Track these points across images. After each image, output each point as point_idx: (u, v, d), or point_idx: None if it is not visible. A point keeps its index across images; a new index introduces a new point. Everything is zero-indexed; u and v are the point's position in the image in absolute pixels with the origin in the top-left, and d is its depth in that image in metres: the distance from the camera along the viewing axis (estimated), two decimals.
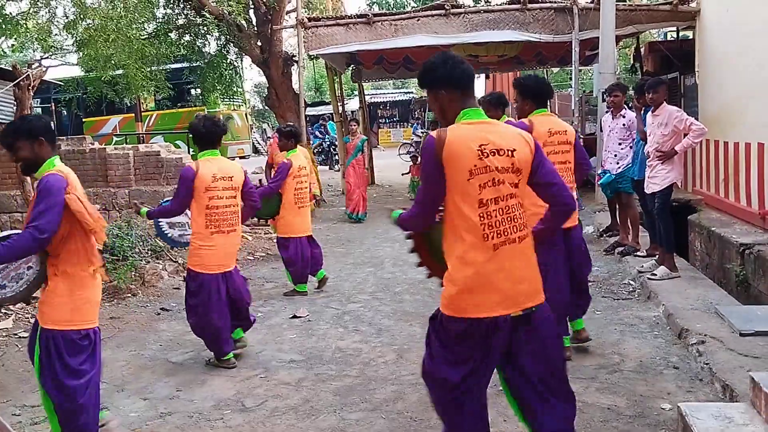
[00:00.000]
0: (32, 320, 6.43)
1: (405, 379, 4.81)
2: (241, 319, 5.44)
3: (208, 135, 5.20)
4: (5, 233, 3.56)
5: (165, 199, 5.16)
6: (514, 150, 2.83)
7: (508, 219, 2.82)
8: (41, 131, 3.61)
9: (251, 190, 5.49)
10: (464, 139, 2.80)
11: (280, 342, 5.78)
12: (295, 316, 6.53)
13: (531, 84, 4.97)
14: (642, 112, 7.45)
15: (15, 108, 10.71)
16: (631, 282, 7.06)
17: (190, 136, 5.79)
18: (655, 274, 6.72)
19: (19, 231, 3.49)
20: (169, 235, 6.19)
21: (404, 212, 3.15)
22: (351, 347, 5.59)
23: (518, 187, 2.86)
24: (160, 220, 5.92)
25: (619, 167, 8.03)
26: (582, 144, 5.17)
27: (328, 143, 24.90)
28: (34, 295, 3.85)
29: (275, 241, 7.49)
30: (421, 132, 31.81)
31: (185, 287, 5.36)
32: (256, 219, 7.11)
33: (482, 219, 2.78)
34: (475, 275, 2.80)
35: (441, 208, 2.93)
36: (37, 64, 14.88)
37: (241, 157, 21.46)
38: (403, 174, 17.15)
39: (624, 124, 7.99)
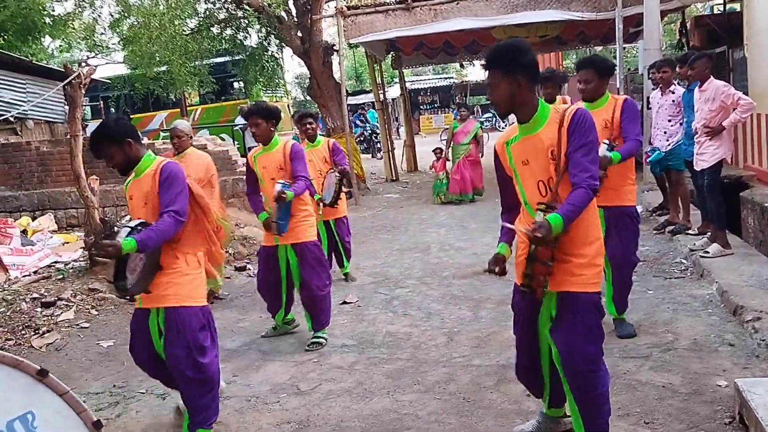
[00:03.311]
0: (92, 311, 6.67)
1: (456, 362, 4.85)
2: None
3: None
4: (135, 222, 3.60)
5: (283, 182, 5.26)
6: None
7: None
8: (126, 133, 3.71)
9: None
10: None
11: (331, 327, 5.85)
12: (345, 302, 6.61)
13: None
14: (688, 88, 7.32)
15: (67, 107, 11.01)
16: (683, 260, 6.95)
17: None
18: (708, 252, 6.61)
19: (141, 220, 3.61)
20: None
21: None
22: (401, 331, 5.65)
23: None
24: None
25: (669, 144, 7.89)
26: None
27: (370, 131, 24.98)
28: None
29: (336, 223, 7.42)
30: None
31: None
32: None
33: None
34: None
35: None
36: (85, 63, 15.25)
37: None
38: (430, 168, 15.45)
39: (673, 101, 7.84)
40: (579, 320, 3.08)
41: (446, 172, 12.78)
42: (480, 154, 12.88)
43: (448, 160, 12.75)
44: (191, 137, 6.45)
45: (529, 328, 3.31)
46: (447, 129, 26.26)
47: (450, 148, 12.72)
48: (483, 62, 3.14)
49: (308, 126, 7.15)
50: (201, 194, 3.76)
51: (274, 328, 5.83)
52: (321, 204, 6.79)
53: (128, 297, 3.69)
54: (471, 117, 13.75)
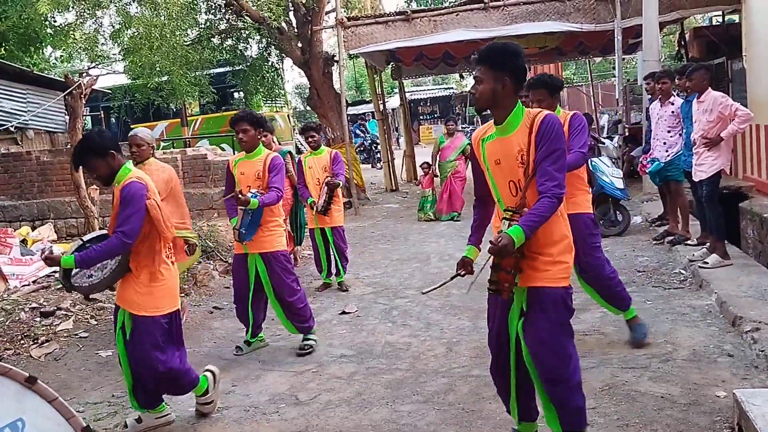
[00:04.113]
0: (91, 321, 6.67)
1: (455, 372, 4.84)
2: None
3: None
4: (94, 234, 4.00)
5: (255, 191, 5.37)
6: None
7: None
8: (109, 145, 3.89)
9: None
10: None
11: (330, 337, 5.87)
12: (344, 312, 6.62)
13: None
14: (686, 99, 7.36)
15: (67, 117, 11.04)
16: (682, 271, 6.96)
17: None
18: (707, 263, 6.62)
19: (105, 231, 3.95)
20: None
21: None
22: (400, 341, 5.65)
23: None
24: None
25: (668, 155, 7.91)
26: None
27: (370, 141, 25.04)
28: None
29: (333, 232, 7.53)
30: (462, 126, 31.74)
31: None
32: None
33: None
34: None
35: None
36: (85, 74, 15.29)
37: None
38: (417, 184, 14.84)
39: (672, 112, 7.86)
40: (544, 314, 3.15)
41: (433, 189, 12.13)
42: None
43: (436, 176, 12.08)
44: (153, 147, 6.02)
45: (501, 322, 3.34)
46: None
47: (437, 164, 12.04)
48: (474, 56, 3.21)
49: (311, 138, 7.55)
50: (158, 218, 3.91)
51: (245, 344, 5.72)
52: (314, 209, 7.29)
53: (87, 296, 4.05)
54: (459, 131, 12.98)
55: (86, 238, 4.03)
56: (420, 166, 13.12)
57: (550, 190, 3.04)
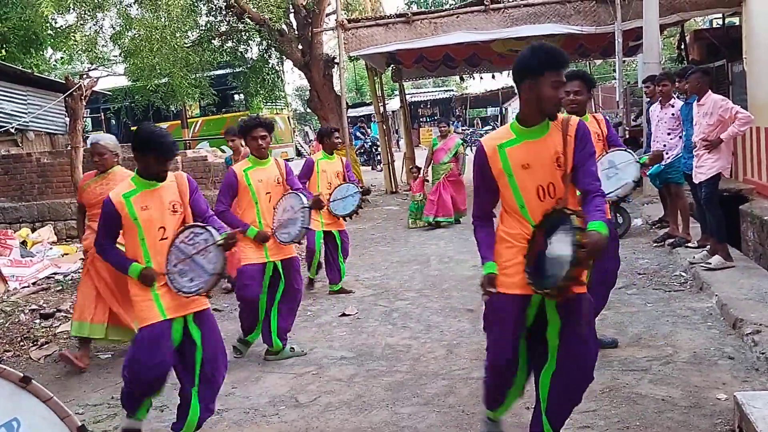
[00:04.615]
0: None
1: (456, 374, 4.84)
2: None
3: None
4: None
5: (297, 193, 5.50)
6: None
7: None
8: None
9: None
10: None
11: (330, 339, 5.86)
12: (344, 314, 6.61)
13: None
14: (686, 102, 7.38)
15: (68, 119, 11.05)
16: (683, 273, 6.96)
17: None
18: (710, 264, 6.62)
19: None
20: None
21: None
22: (400, 344, 5.64)
23: None
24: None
25: (668, 157, 7.91)
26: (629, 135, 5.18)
27: (370, 143, 25.06)
28: None
29: (342, 234, 7.57)
30: (462, 129, 31.78)
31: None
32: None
33: None
34: None
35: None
36: (86, 76, 15.30)
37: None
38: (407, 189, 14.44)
39: (672, 114, 7.87)
40: (585, 319, 3.16)
41: (423, 194, 11.59)
42: (460, 173, 11.62)
43: (427, 181, 11.59)
44: (117, 154, 5.63)
45: (517, 333, 3.28)
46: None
47: (430, 167, 11.61)
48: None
49: (336, 139, 7.73)
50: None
51: (244, 344, 5.69)
52: (330, 213, 7.28)
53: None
54: (452, 133, 12.47)
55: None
56: (410, 170, 12.82)
57: (599, 189, 3.12)
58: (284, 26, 14.83)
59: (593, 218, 2.94)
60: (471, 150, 27.82)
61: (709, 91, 6.70)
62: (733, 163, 9.84)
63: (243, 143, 7.93)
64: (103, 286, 5.44)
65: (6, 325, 6.35)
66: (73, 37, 15.74)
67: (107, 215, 3.85)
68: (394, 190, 16.57)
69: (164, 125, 23.98)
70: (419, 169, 11.92)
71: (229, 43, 16.05)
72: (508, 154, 3.15)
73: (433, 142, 11.86)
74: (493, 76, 21.72)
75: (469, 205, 11.42)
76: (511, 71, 3.31)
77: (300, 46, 14.96)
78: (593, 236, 2.84)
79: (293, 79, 58.23)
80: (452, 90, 43.40)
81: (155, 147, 3.81)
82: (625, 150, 5.04)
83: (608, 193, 5.04)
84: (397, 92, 23.27)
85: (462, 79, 28.22)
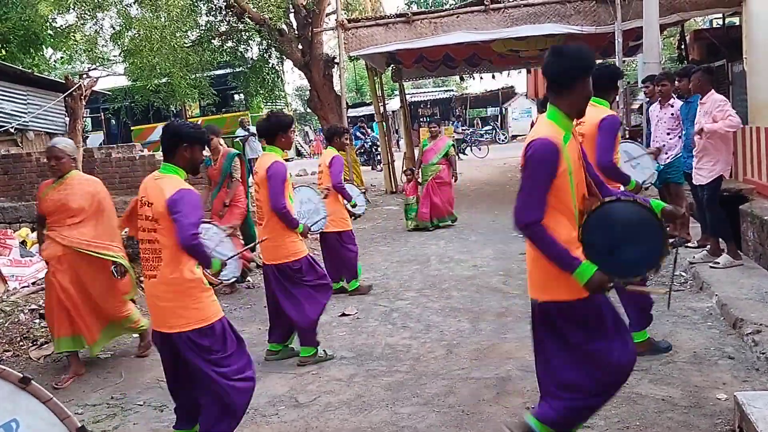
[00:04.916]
0: None
1: (455, 374, 4.83)
2: None
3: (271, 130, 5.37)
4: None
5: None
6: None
7: None
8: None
9: None
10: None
11: (330, 339, 5.86)
12: (344, 314, 6.60)
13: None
14: (686, 101, 7.38)
15: (68, 119, 11.04)
16: (683, 273, 6.95)
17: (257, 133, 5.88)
18: (718, 263, 6.62)
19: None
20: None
21: None
22: (400, 343, 5.64)
23: None
24: None
25: (667, 157, 7.90)
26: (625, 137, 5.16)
27: (370, 143, 25.06)
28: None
29: (337, 237, 7.47)
30: (462, 129, 31.75)
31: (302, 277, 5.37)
32: None
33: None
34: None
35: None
36: (86, 75, 15.30)
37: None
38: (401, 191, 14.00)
39: (672, 114, 7.86)
40: None
41: (417, 196, 11.33)
42: (453, 177, 11.38)
43: (420, 183, 11.30)
44: (74, 158, 5.34)
45: None
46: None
47: (420, 169, 11.36)
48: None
49: (345, 140, 7.74)
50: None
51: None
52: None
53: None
54: (444, 134, 12.26)
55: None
56: (403, 172, 12.65)
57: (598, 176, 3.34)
58: (284, 26, 14.84)
59: (630, 196, 3.13)
60: (471, 150, 28.03)
61: (712, 90, 6.70)
62: (733, 163, 9.83)
63: (221, 142, 7.86)
64: (65, 296, 5.21)
65: (5, 325, 6.34)
66: (73, 37, 15.76)
67: None
68: (394, 190, 16.56)
69: (164, 125, 24.11)
70: (413, 171, 11.72)
71: (229, 43, 16.07)
72: (567, 151, 3.01)
73: (423, 143, 11.69)
74: (493, 76, 21.71)
75: (456, 206, 11.52)
76: (557, 67, 3.05)
77: (300, 46, 14.96)
78: (667, 209, 3.15)
79: (293, 79, 58.32)
80: (452, 90, 43.37)
81: (199, 137, 3.90)
82: (631, 141, 5.09)
83: (643, 182, 5.12)
84: (397, 92, 23.27)
85: (462, 79, 28.21)
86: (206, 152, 7.13)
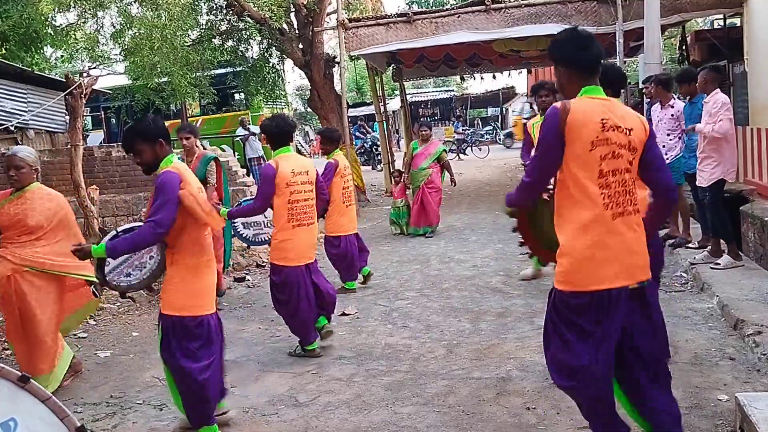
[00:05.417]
0: (90, 321, 6.65)
1: (455, 374, 4.82)
2: (325, 308, 5.64)
3: (280, 133, 5.42)
4: (128, 225, 3.93)
5: (245, 198, 5.36)
6: (632, 129, 2.94)
7: (625, 192, 2.92)
8: (160, 133, 3.87)
9: (322, 185, 5.84)
10: (588, 111, 2.90)
11: (330, 339, 5.84)
12: (344, 314, 6.59)
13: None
14: (689, 101, 7.38)
15: (68, 117, 11.03)
16: (684, 274, 6.95)
17: (263, 136, 5.95)
18: (719, 264, 6.62)
19: (141, 224, 3.83)
20: (245, 235, 6.59)
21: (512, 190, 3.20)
22: (400, 343, 5.63)
23: (632, 165, 2.96)
24: (236, 220, 6.12)
25: (667, 158, 7.88)
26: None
27: (370, 143, 25.05)
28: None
29: (322, 240, 7.55)
30: (463, 129, 31.72)
31: (270, 282, 5.51)
32: None
33: (602, 189, 2.88)
34: (595, 244, 2.88)
35: (550, 186, 3.08)
36: (86, 74, 15.28)
37: None
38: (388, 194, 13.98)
39: (672, 114, 7.85)
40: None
41: (406, 200, 10.97)
42: (452, 182, 11.15)
43: (408, 187, 10.84)
44: (36, 170, 4.87)
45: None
46: (447, 141, 25.82)
47: (409, 173, 10.79)
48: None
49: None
50: (192, 206, 3.75)
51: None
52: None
53: (123, 295, 4.04)
54: (434, 137, 11.73)
55: (120, 228, 3.94)
56: (391, 174, 12.37)
57: None
58: (285, 25, 14.80)
59: None
60: (471, 150, 28.01)
61: (717, 89, 6.70)
62: (734, 166, 9.82)
63: (199, 143, 7.62)
64: (16, 313, 4.79)
65: (5, 324, 6.33)
66: (73, 36, 15.72)
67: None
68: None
69: (165, 124, 24.16)
70: (401, 173, 11.25)
71: (230, 42, 16.01)
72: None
73: (413, 146, 11.07)
74: (494, 76, 21.68)
75: (473, 206, 11.50)
76: (589, 51, 3.09)
77: (300, 46, 14.93)
78: None
79: (294, 78, 58.35)
80: (453, 90, 43.32)
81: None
82: None
83: None
84: (397, 92, 23.26)
85: (462, 79, 28.08)
86: (228, 150, 7.03)
